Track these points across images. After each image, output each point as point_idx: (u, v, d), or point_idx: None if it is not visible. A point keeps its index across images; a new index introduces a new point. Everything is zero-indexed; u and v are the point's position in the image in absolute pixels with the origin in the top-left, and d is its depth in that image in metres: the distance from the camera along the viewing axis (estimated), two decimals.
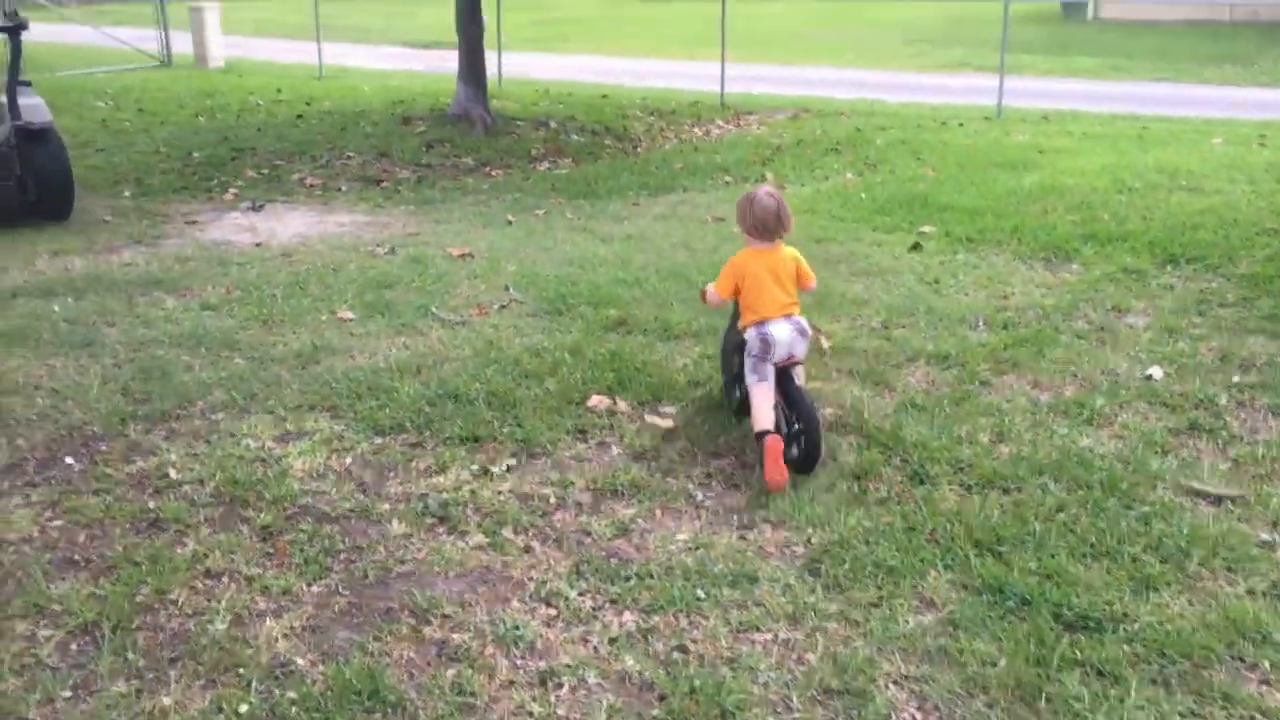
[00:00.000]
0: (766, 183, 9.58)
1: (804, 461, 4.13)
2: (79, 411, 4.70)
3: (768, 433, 4.11)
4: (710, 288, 4.51)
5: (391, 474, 4.18)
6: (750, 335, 4.27)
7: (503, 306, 6.21)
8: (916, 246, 7.33)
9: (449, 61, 21.56)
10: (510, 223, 8.29)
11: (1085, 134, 11.91)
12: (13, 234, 7.79)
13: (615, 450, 4.43)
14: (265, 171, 10.07)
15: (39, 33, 20.71)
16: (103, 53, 19.89)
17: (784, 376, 4.28)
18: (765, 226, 4.29)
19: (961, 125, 12.53)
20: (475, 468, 4.21)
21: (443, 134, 11.61)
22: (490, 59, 17.04)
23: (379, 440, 4.47)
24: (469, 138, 11.48)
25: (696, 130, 12.89)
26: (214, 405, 4.80)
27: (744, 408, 4.42)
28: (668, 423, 4.64)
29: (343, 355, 5.42)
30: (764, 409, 4.19)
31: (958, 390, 4.93)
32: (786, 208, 4.33)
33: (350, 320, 5.97)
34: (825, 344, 5.51)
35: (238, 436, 4.49)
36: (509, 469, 4.21)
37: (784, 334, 4.23)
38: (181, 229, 8.18)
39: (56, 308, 6.11)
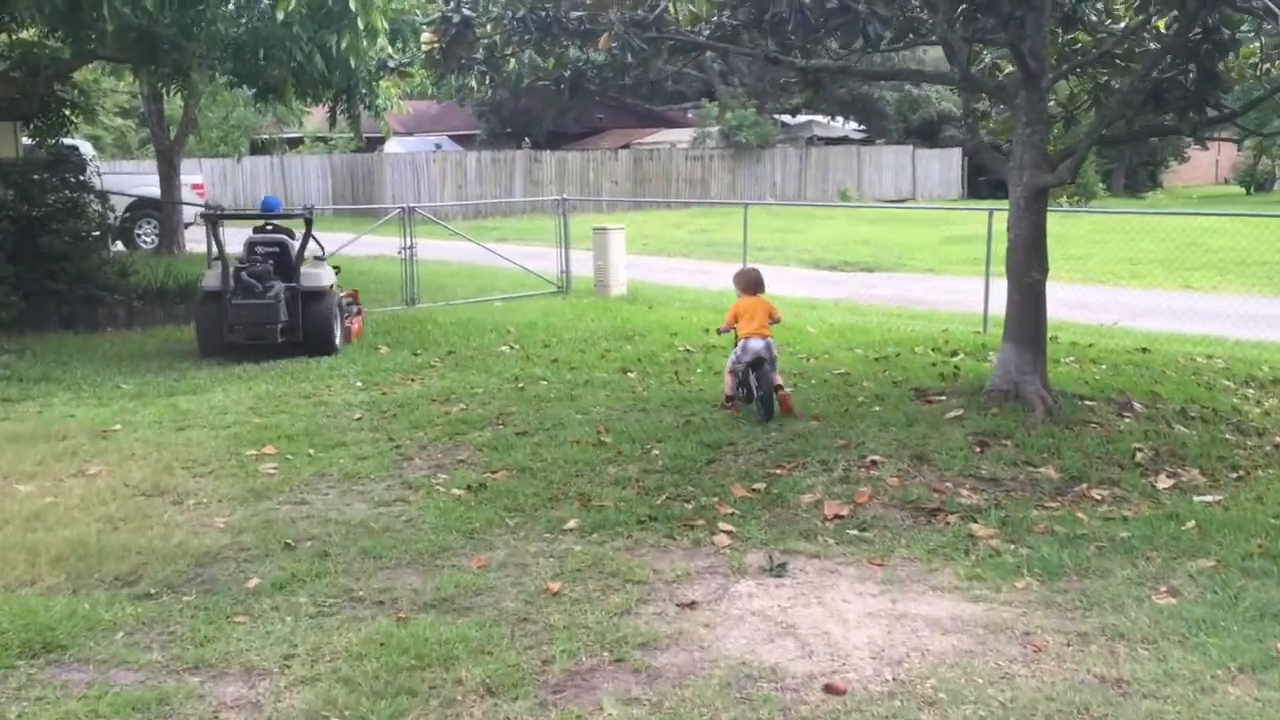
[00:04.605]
0: None
1: (764, 413, 8.04)
2: None
3: (730, 399, 8.45)
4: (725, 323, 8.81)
5: None
6: (739, 344, 8.33)
7: None
8: None
9: (877, 288, 18.41)
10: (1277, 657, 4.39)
11: None
12: (426, 636, 4.72)
13: None
14: (760, 487, 6.73)
15: (432, 249, 19.24)
16: (495, 275, 18.11)
17: (756, 364, 8.16)
18: (754, 285, 8.71)
19: None
20: None
21: (988, 422, 7.89)
22: (927, 286, 13.33)
23: None
24: (1029, 429, 7.73)
25: None
26: None
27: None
28: None
29: None
30: (733, 386, 8.45)
31: None
32: (762, 276, 8.89)
33: None
34: None
35: None
36: None
37: (756, 345, 8.21)
38: (672, 618, 4.89)
39: None
